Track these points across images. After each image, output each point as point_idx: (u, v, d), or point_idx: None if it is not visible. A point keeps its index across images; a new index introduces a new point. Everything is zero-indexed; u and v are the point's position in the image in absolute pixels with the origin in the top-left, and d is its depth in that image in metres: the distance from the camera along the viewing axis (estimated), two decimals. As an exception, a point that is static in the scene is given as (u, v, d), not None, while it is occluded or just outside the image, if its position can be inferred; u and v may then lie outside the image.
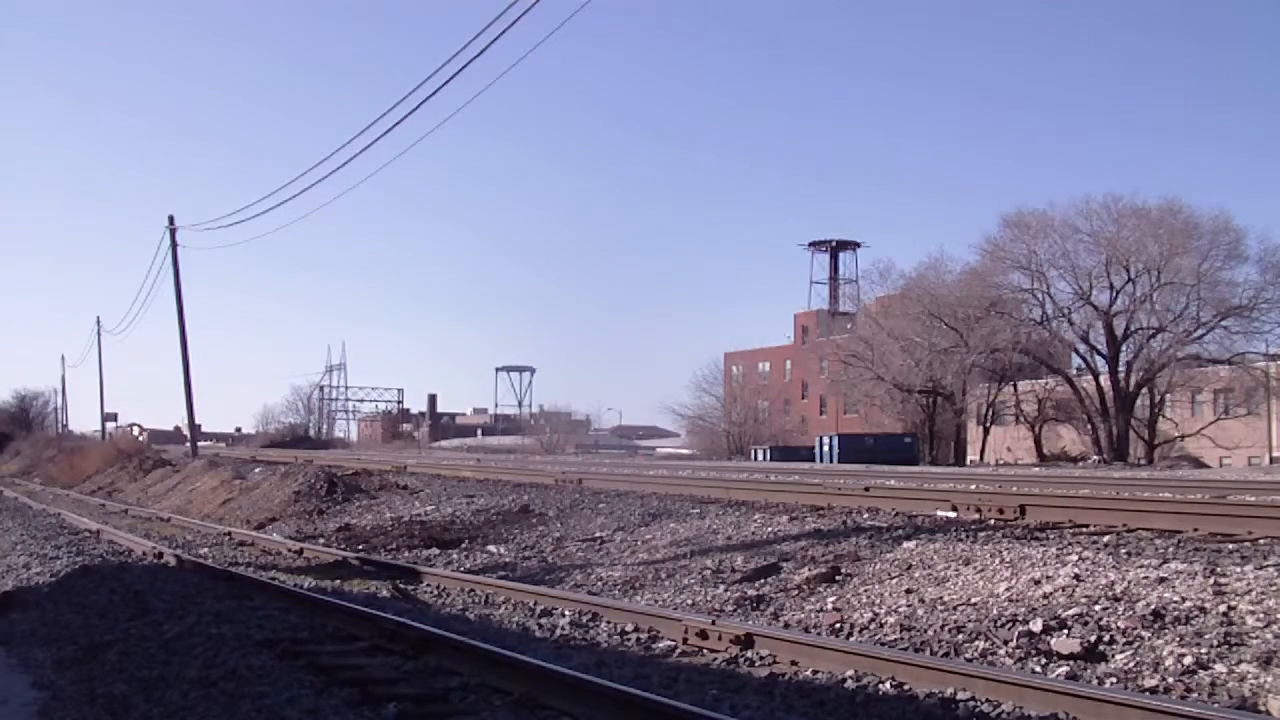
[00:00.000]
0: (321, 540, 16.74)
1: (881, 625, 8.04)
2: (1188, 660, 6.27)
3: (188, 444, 51.95)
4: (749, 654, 7.33)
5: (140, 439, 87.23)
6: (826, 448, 55.66)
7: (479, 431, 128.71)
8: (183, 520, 22.22)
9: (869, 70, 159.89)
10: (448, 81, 17.27)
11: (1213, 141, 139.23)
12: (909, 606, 8.33)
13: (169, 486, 32.72)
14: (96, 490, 37.44)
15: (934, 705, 5.96)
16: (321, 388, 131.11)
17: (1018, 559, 9.01)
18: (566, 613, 9.37)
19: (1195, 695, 5.89)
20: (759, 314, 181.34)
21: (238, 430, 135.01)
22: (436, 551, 14.81)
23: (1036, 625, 7.23)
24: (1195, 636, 6.61)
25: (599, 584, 11.29)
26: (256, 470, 30.33)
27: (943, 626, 7.66)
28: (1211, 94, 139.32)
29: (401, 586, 11.34)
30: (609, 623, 8.83)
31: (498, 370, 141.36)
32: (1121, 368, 50.12)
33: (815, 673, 6.78)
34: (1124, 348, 50.36)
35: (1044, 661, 6.77)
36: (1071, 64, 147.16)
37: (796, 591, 9.57)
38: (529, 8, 14.08)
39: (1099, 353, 51.07)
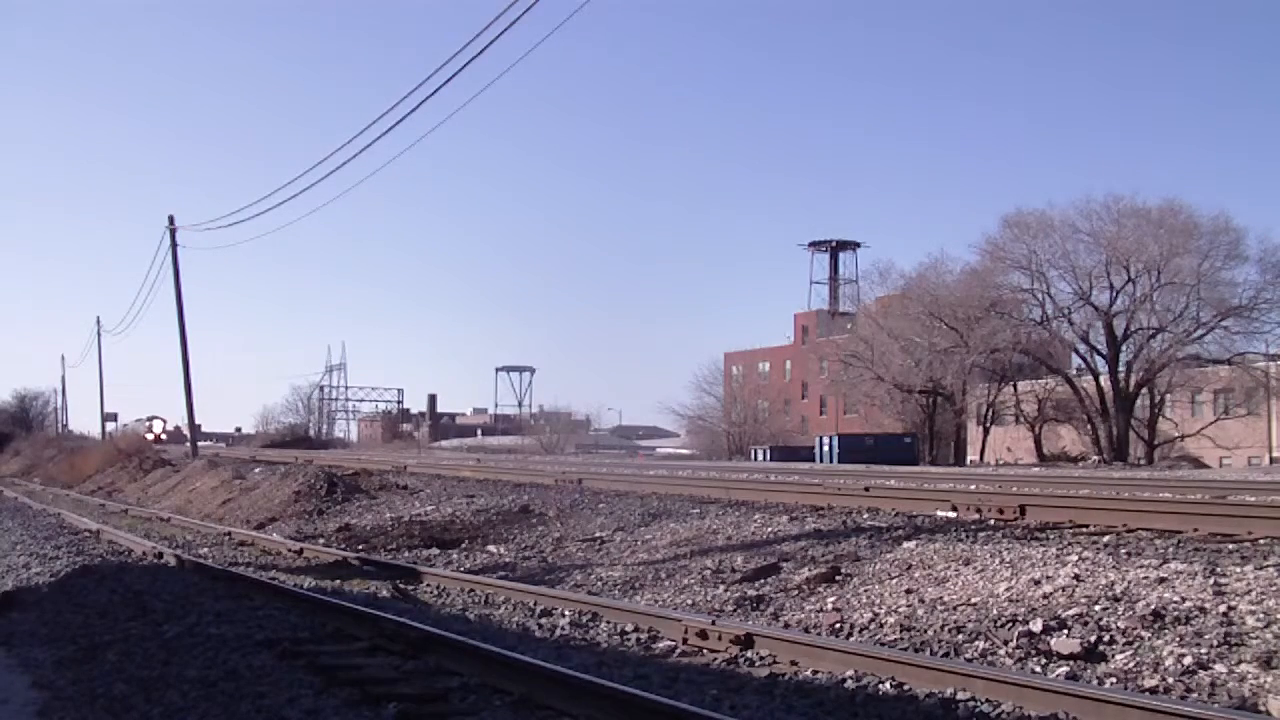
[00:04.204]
0: (321, 540, 16.73)
1: (881, 625, 8.04)
2: (1188, 660, 6.27)
3: (188, 444, 51.93)
4: (749, 654, 7.33)
5: (161, 435, 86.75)
6: (826, 448, 55.63)
7: (479, 431, 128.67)
8: (183, 520, 22.21)
9: (869, 71, 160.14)
10: (448, 81, 17.28)
11: (1213, 141, 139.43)
12: (909, 606, 8.33)
13: (169, 486, 32.71)
14: (96, 490, 37.42)
15: (934, 705, 5.96)
16: (321, 388, 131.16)
17: (1018, 559, 9.01)
18: (566, 613, 9.36)
19: (1195, 695, 5.89)
20: (759, 314, 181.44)
21: (238, 430, 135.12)
22: (436, 551, 14.81)
23: (1036, 625, 7.23)
24: (1195, 636, 6.61)
25: (599, 584, 11.29)
26: (256, 470, 30.31)
27: (943, 626, 7.66)
28: (1211, 94, 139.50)
29: (401, 586, 11.34)
30: (609, 623, 8.83)
31: (498, 370, 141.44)
32: (1121, 368, 50.07)
33: (815, 673, 6.78)
34: (1124, 348, 50.32)
35: (1044, 661, 6.77)
36: (1071, 64, 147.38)
37: (796, 591, 9.57)
38: (529, 7, 14.09)
39: (1099, 353, 51.03)
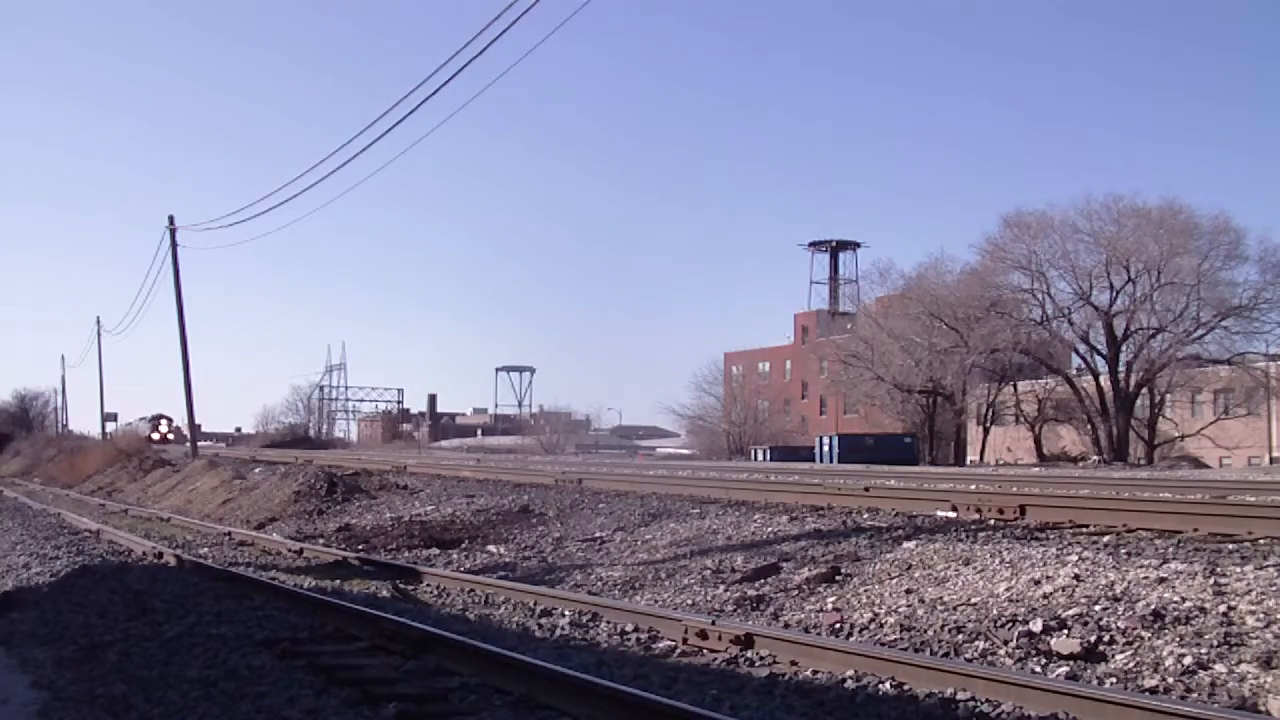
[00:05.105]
0: (321, 540, 16.73)
1: (881, 625, 8.04)
2: (1188, 660, 6.27)
3: (187, 444, 51.93)
4: (749, 654, 7.33)
5: (168, 435, 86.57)
6: (826, 448, 55.63)
7: (479, 431, 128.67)
8: (183, 520, 22.22)
9: (869, 70, 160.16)
10: (448, 81, 17.29)
11: (1213, 141, 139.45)
12: (909, 606, 8.33)
13: (169, 486, 32.72)
14: (96, 490, 37.43)
15: (934, 705, 5.96)
16: (321, 388, 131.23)
17: (1018, 559, 9.01)
18: (566, 613, 9.37)
19: (1195, 695, 5.89)
20: (759, 314, 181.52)
21: (238, 430, 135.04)
22: (436, 551, 14.81)
23: (1036, 625, 7.23)
24: (1195, 636, 6.61)
25: (599, 584, 11.29)
26: (256, 470, 30.33)
27: (943, 626, 7.66)
28: (1211, 94, 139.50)
29: (401, 586, 11.34)
30: (609, 623, 8.83)
31: (498, 370, 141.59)
32: (1121, 368, 50.09)
33: (815, 673, 6.78)
34: (1124, 348, 50.32)
35: (1044, 661, 6.77)
36: (1071, 64, 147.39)
37: (796, 591, 9.57)
38: (529, 8, 14.09)
39: (1099, 353, 51.04)
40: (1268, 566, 7.88)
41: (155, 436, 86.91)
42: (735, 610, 9.26)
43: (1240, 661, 6.20)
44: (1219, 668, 6.15)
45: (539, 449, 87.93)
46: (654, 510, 15.29)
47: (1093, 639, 6.85)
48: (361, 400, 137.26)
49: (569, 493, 19.05)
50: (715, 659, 7.41)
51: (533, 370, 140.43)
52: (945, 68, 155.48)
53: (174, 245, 49.11)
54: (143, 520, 23.16)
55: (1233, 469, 41.49)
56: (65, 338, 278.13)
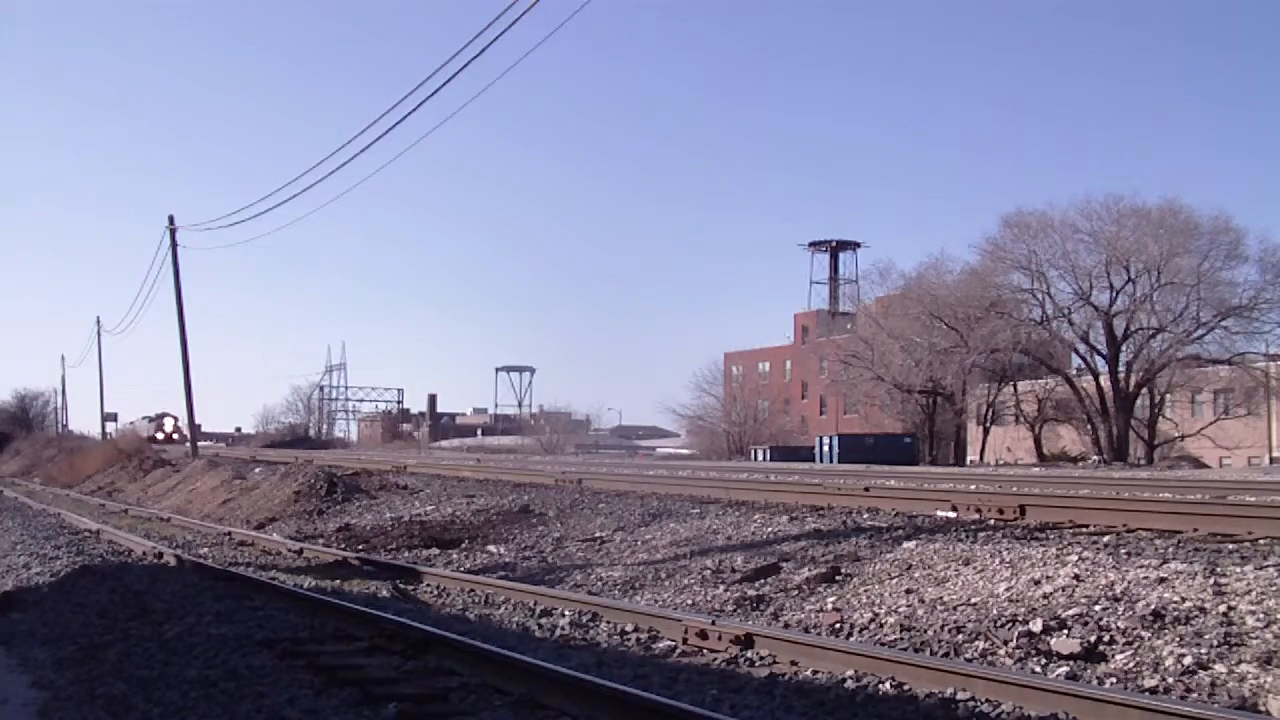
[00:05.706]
0: (321, 540, 16.74)
1: (881, 625, 8.04)
2: (1188, 660, 6.27)
3: (187, 444, 51.94)
4: (749, 654, 7.34)
5: (173, 435, 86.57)
6: (826, 448, 55.59)
7: (479, 431, 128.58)
8: (183, 520, 22.22)
9: (869, 70, 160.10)
10: (448, 81, 17.31)
11: (1213, 141, 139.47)
12: (909, 606, 8.33)
13: (169, 486, 32.73)
14: (96, 490, 37.43)
15: (934, 705, 5.96)
16: (321, 388, 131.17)
17: (1018, 559, 9.01)
18: (566, 613, 9.37)
19: (1195, 695, 5.90)
20: (759, 314, 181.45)
21: (238, 430, 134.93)
22: (436, 551, 14.82)
23: (1036, 625, 7.23)
24: (1195, 636, 6.61)
25: (599, 584, 11.29)
26: (256, 470, 30.33)
27: (943, 626, 7.66)
28: (1211, 94, 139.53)
29: (401, 586, 11.35)
30: (609, 623, 8.83)
31: (498, 370, 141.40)
32: (1121, 368, 50.06)
33: (815, 673, 6.78)
34: (1124, 348, 50.29)
35: (1044, 661, 6.77)
36: (1071, 64, 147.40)
37: (796, 591, 9.57)
38: (529, 8, 14.10)
39: (1099, 353, 51.02)
40: (1268, 566, 7.88)
41: (160, 435, 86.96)
42: (735, 610, 9.27)
43: (1240, 661, 6.20)
44: (1219, 668, 6.16)
45: (539, 449, 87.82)
46: (654, 510, 15.30)
47: (1093, 639, 6.86)
48: (361, 400, 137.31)
49: (569, 493, 19.05)
50: (715, 659, 7.41)
51: (533, 370, 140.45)
52: (946, 68, 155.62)
53: (174, 245, 49.18)
54: (143, 520, 23.16)
55: (1233, 469, 41.50)
56: (65, 338, 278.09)
